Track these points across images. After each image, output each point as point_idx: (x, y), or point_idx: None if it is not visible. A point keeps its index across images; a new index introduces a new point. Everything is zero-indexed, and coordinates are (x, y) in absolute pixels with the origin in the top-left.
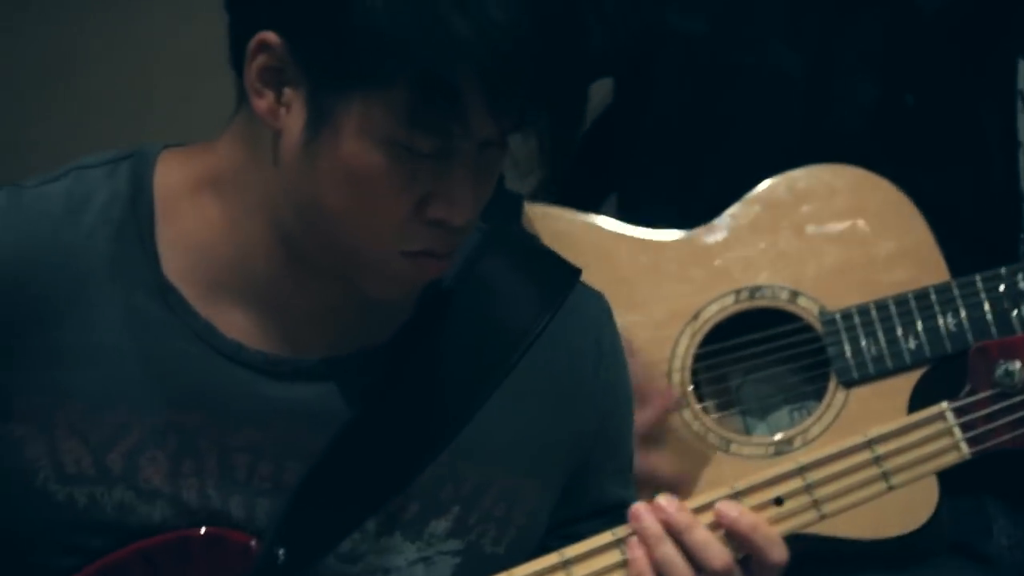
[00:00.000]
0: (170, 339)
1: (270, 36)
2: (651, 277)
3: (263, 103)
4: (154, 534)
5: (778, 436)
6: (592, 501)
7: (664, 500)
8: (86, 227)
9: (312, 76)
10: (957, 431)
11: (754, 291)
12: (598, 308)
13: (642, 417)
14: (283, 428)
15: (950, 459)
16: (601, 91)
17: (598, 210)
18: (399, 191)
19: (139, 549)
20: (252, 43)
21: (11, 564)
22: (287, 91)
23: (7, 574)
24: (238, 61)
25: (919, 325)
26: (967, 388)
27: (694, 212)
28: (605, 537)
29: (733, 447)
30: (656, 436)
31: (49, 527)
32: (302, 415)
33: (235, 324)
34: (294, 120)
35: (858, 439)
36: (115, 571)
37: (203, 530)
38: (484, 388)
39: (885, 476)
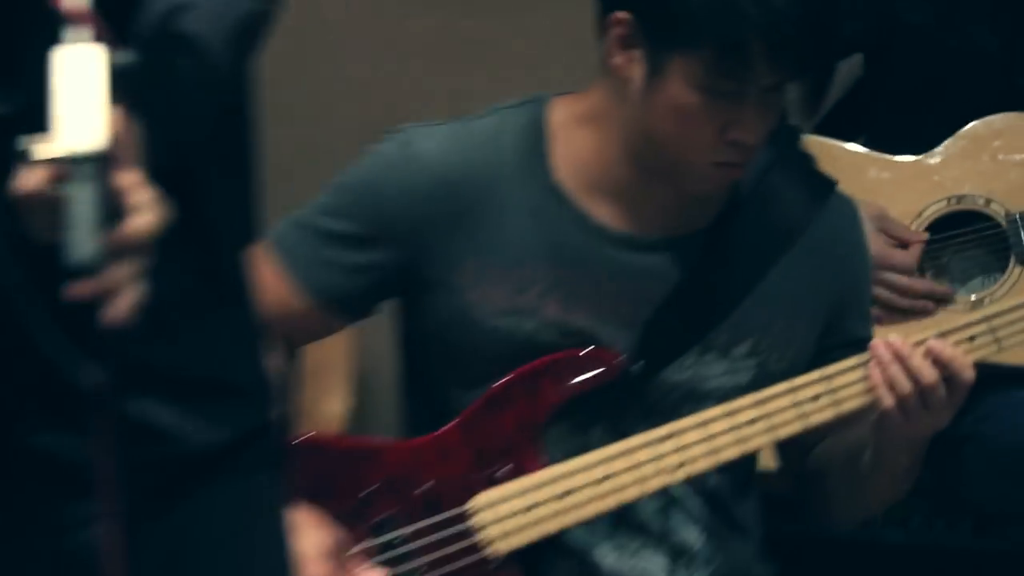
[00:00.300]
0: (559, 223)
1: (622, 15)
2: (889, 188)
3: (616, 61)
4: (551, 353)
5: (973, 297)
6: (843, 337)
7: (894, 337)
8: (501, 150)
9: (650, 41)
10: None
11: (960, 198)
12: (849, 207)
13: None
14: (635, 283)
15: None
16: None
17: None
18: (708, 119)
19: (546, 361)
20: (610, 19)
21: (452, 374)
22: (633, 52)
23: (450, 381)
24: (601, 32)
25: None
26: None
27: (920, 145)
28: (852, 361)
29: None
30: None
31: (481, 348)
32: (648, 275)
33: (602, 213)
34: (637, 72)
35: None
36: (530, 376)
37: (589, 349)
38: (771, 258)
39: None
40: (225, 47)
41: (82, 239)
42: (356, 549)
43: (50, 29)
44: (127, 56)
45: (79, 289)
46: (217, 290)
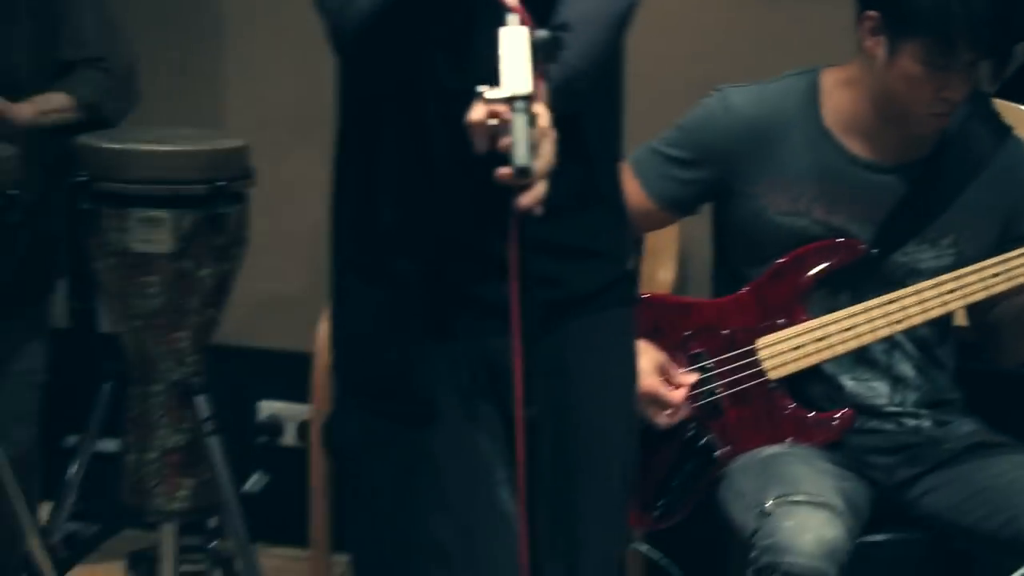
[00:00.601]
0: (825, 153)
1: (872, 13)
2: None
3: (867, 44)
4: (816, 241)
5: None
6: (1016, 234)
7: None
8: (788, 103)
9: (890, 32)
10: None
11: None
12: (1021, 146)
13: None
14: (875, 194)
15: None
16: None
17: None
18: (927, 84)
19: (813, 247)
20: (864, 15)
21: (747, 254)
22: (878, 38)
23: (745, 259)
24: (857, 24)
25: None
26: None
27: None
28: (1022, 250)
29: None
30: None
31: (767, 236)
32: (884, 189)
33: (855, 146)
34: (881, 52)
35: None
36: (802, 256)
37: (842, 239)
38: (967, 179)
39: None
40: (606, 30)
41: (521, 150)
42: (677, 372)
43: (494, 18)
44: (542, 35)
45: (509, 177)
46: (590, 189)
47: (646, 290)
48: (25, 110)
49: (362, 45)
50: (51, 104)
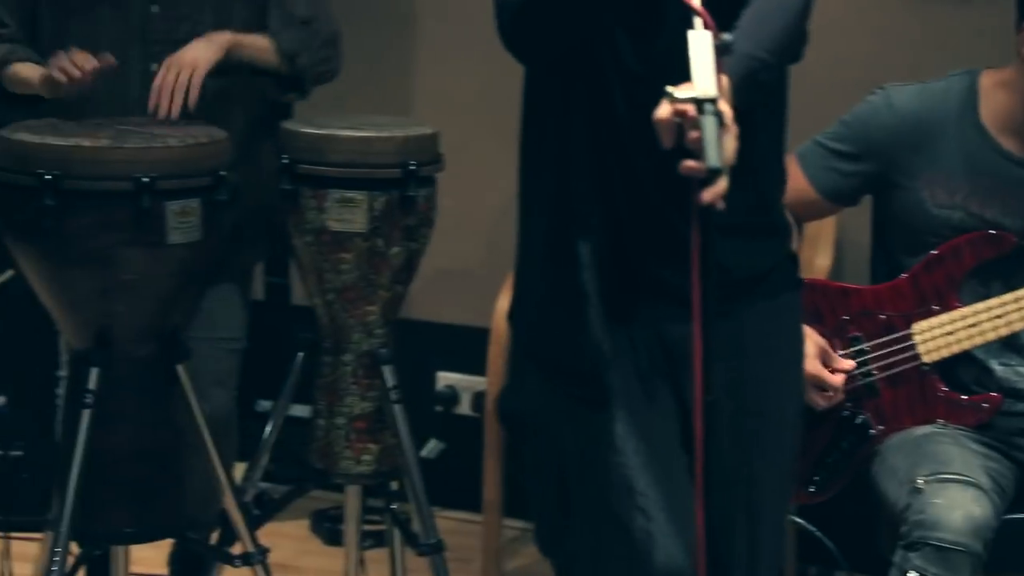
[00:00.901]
0: (982, 150)
1: None
2: None
3: (1023, 52)
4: (970, 233)
5: None
6: None
7: None
8: (948, 102)
9: None
10: None
11: None
12: None
13: None
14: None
15: None
16: None
17: None
18: None
19: (967, 238)
20: (1022, 27)
21: (904, 243)
22: None
23: (902, 248)
24: (1016, 32)
25: None
26: None
27: None
28: None
29: None
30: None
31: (925, 227)
32: None
33: (1009, 144)
34: None
35: None
36: (956, 247)
37: (994, 232)
38: None
39: None
40: (789, 21)
41: (713, 151)
42: (837, 357)
43: (681, 16)
44: (722, 39)
45: (695, 170)
46: (758, 171)
47: (805, 275)
48: (224, 35)
49: (518, 30)
50: (250, 39)
